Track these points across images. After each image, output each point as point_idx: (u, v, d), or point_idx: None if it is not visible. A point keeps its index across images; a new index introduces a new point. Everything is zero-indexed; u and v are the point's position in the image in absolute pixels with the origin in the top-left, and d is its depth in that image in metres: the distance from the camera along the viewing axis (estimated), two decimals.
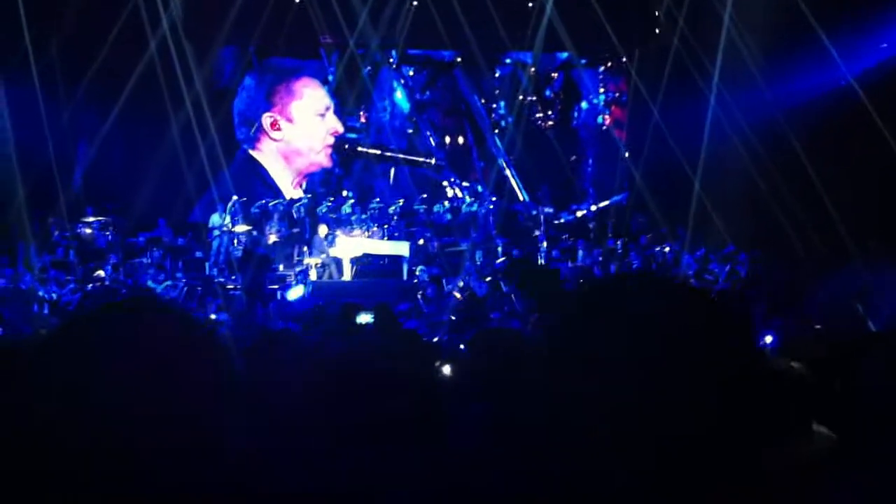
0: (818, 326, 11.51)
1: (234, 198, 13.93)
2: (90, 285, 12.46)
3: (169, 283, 12.63)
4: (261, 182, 15.38)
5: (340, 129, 15.74)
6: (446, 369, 4.12)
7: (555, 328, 1.33)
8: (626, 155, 15.90)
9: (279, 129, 15.60)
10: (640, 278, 1.51)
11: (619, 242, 14.39)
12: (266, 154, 15.69)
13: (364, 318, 8.57)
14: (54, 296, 11.92)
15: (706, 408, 1.22)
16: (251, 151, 15.71)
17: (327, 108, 15.72)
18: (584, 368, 1.25)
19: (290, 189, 15.41)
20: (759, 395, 1.28)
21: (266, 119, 15.56)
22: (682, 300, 1.32)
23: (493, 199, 15.51)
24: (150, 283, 12.51)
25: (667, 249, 14.03)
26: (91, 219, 13.49)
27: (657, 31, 15.62)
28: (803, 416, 2.63)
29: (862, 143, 13.09)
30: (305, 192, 15.40)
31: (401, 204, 14.75)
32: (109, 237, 13.36)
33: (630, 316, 1.27)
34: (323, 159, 15.72)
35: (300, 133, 15.63)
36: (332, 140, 15.66)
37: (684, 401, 1.22)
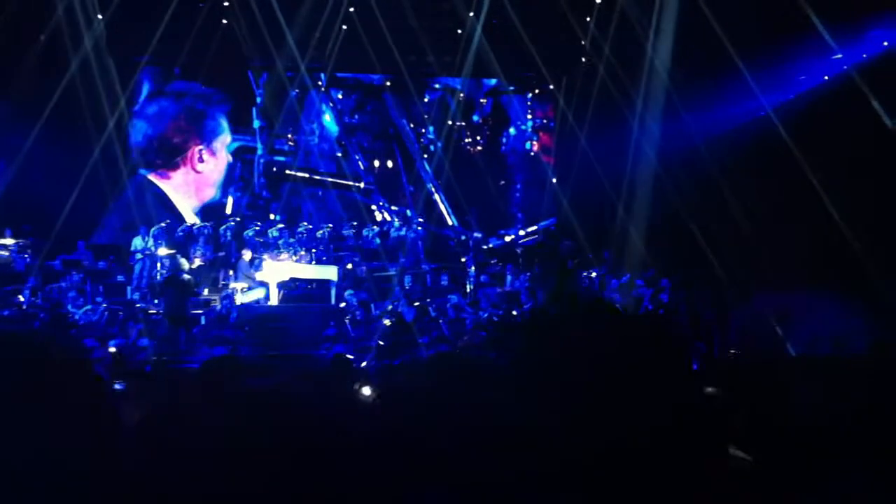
0: (733, 351, 11.78)
1: (161, 224, 13.71)
2: (7, 310, 12.06)
3: (89, 307, 12.30)
4: (163, 207, 15.16)
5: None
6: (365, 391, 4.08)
7: (513, 353, 1.37)
8: (554, 180, 16.07)
9: (202, 161, 15.49)
10: (591, 306, 1.55)
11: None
12: (173, 181, 15.49)
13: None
14: None
15: (640, 427, 1.26)
16: (150, 176, 15.44)
17: (226, 144, 15.89)
18: (540, 389, 1.29)
19: (190, 216, 15.33)
20: (687, 416, 1.33)
21: (195, 150, 15.41)
22: (627, 326, 1.36)
23: (422, 222, 15.52)
24: (69, 307, 12.16)
25: (593, 274, 14.18)
26: (9, 241, 13.08)
27: (583, 59, 15.85)
28: (720, 439, 2.67)
29: (780, 170, 13.43)
30: (232, 215, 15.22)
31: (329, 228, 14.66)
32: (28, 260, 12.97)
33: (577, 341, 1.31)
34: (215, 195, 15.86)
35: (217, 167, 15.61)
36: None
37: (623, 421, 1.26)
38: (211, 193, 15.50)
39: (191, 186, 15.39)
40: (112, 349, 10.72)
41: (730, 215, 13.62)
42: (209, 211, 15.47)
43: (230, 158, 15.43)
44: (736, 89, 13.89)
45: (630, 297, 13.34)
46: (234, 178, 15.86)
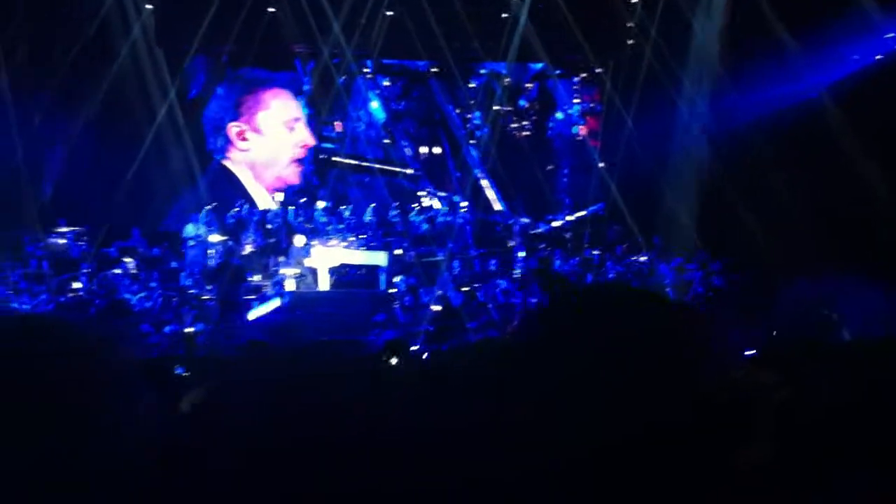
0: (775, 333, 11.67)
1: (207, 207, 13.81)
2: (63, 297, 12.31)
3: (144, 293, 12.50)
4: (238, 192, 15.22)
5: (311, 143, 15.59)
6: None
7: (533, 338, 1.35)
8: (601, 165, 16.00)
9: (245, 140, 15.43)
10: (607, 289, 1.54)
11: (595, 252, 14.46)
12: (238, 165, 15.55)
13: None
14: (28, 307, 11.76)
15: (660, 418, 1.24)
16: (224, 162, 15.56)
17: (297, 120, 15.54)
18: (560, 377, 1.27)
19: (266, 201, 15.28)
20: (716, 406, 1.30)
21: (232, 129, 15.38)
22: (642, 311, 1.34)
23: (470, 208, 15.52)
24: (124, 293, 12.37)
25: (643, 259, 14.12)
26: (64, 229, 13.30)
27: (630, 41, 15.74)
28: (766, 425, 2.64)
29: (830, 152, 13.30)
30: (281, 202, 15.30)
31: (377, 214, 14.72)
32: (83, 247, 13.18)
33: (594, 327, 1.29)
34: (291, 175, 15.49)
35: (266, 144, 15.45)
36: (301, 154, 15.45)
37: (641, 410, 1.24)
38: (273, 175, 15.43)
39: (247, 168, 15.44)
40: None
41: (779, 197, 13.52)
42: (301, 192, 15.45)
43: (291, 138, 15.39)
44: (786, 69, 13.76)
45: (681, 280, 13.29)
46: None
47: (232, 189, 15.33)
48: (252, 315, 12.76)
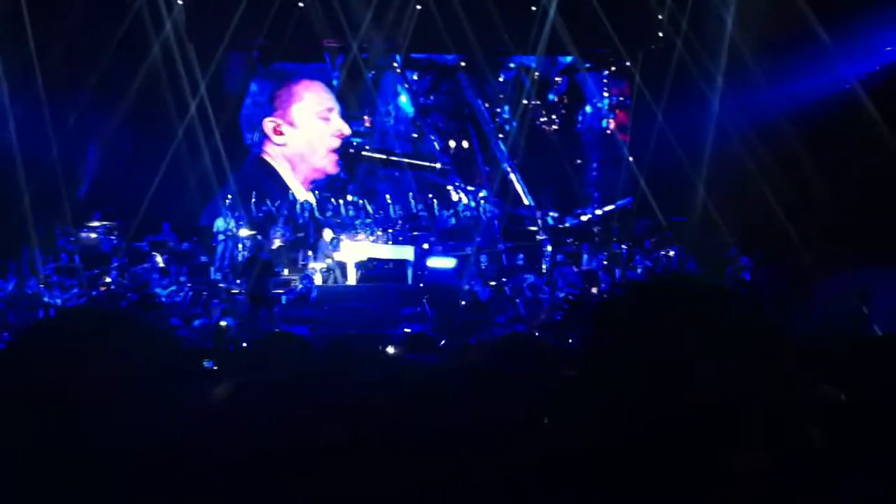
0: (813, 330, 11.52)
1: (227, 200, 13.94)
2: (95, 290, 12.49)
3: (174, 287, 12.65)
4: (275, 184, 15.35)
5: (347, 131, 15.69)
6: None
7: (599, 332, 1.32)
8: (630, 159, 15.88)
9: (281, 134, 15.58)
10: (678, 281, 1.48)
11: (623, 246, 14.36)
12: (275, 158, 15.69)
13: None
14: (59, 301, 11.94)
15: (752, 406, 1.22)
16: (262, 155, 15.71)
17: (330, 110, 15.64)
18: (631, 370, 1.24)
19: (302, 193, 15.37)
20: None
21: (268, 124, 15.53)
22: (723, 302, 1.32)
23: (498, 202, 15.50)
24: (155, 287, 12.52)
25: (671, 253, 14.00)
26: (96, 223, 13.51)
27: (660, 34, 15.59)
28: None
29: (864, 144, 13.08)
30: (310, 196, 15.41)
31: (405, 208, 14.76)
32: (114, 241, 13.38)
33: (673, 318, 1.26)
34: (328, 165, 15.63)
35: (302, 136, 15.57)
36: (336, 143, 15.57)
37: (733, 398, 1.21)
38: (310, 167, 15.55)
39: (285, 161, 15.58)
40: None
41: (812, 191, 13.32)
42: (330, 187, 15.55)
43: (327, 129, 15.46)
44: (819, 61, 13.53)
45: (710, 275, 13.14)
46: None
47: (270, 182, 15.46)
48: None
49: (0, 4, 13.03)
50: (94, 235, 13.39)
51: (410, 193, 15.58)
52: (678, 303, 1.29)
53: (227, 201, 13.93)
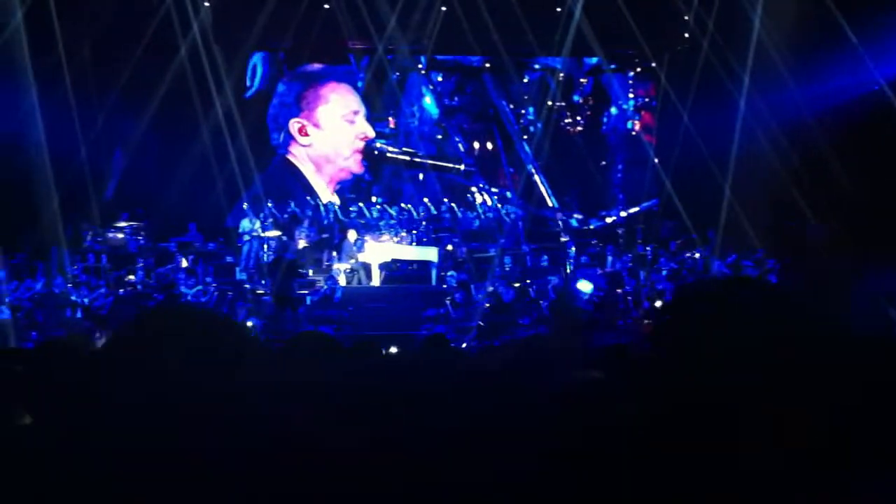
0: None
1: (251, 201, 14.01)
2: (122, 290, 12.59)
3: (199, 287, 12.73)
4: (301, 186, 15.43)
5: (371, 134, 15.75)
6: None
7: (675, 333, 1.31)
8: (656, 160, 15.80)
9: (307, 135, 15.65)
10: (749, 284, 1.46)
11: (648, 248, 14.29)
12: (300, 159, 15.77)
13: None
14: (86, 300, 12.05)
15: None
16: (288, 156, 15.79)
17: (356, 113, 15.71)
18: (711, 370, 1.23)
19: (327, 194, 15.44)
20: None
21: (293, 125, 15.60)
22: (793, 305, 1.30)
23: (522, 203, 15.48)
24: (181, 287, 12.60)
25: (697, 255, 13.92)
26: (123, 224, 13.63)
27: (687, 35, 15.50)
28: None
29: (893, 146, 12.95)
30: (335, 197, 15.47)
31: (429, 209, 14.77)
32: (141, 242, 13.49)
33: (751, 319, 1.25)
34: (353, 165, 15.70)
35: (328, 138, 15.64)
36: (361, 145, 15.63)
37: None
38: (335, 168, 15.63)
39: (310, 162, 15.66)
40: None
41: (840, 193, 13.21)
42: (354, 188, 15.62)
43: (352, 131, 15.53)
44: (848, 62, 13.41)
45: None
46: None
47: (295, 183, 15.54)
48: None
49: (29, 7, 13.16)
50: (121, 236, 13.51)
51: (434, 195, 15.60)
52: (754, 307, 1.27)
53: (252, 202, 14.01)
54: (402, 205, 15.00)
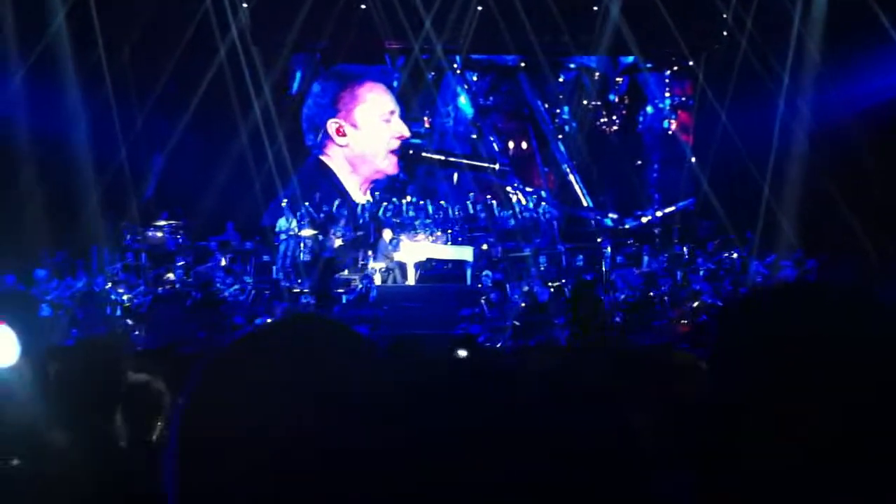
0: None
1: (285, 202, 14.09)
2: (160, 288, 12.73)
3: (237, 286, 12.84)
4: (332, 187, 15.51)
5: (406, 134, 15.79)
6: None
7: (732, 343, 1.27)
8: (693, 160, 15.69)
9: (344, 135, 15.72)
10: (810, 289, 1.41)
11: (685, 248, 14.20)
12: (334, 160, 15.84)
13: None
14: (125, 298, 12.21)
15: None
16: (322, 157, 15.88)
17: (392, 113, 15.76)
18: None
19: (359, 195, 15.51)
20: None
21: (331, 125, 15.68)
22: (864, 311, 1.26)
23: (557, 203, 15.44)
24: (219, 285, 12.72)
25: (734, 255, 13.80)
26: (162, 223, 13.78)
27: (725, 33, 15.38)
28: None
29: None
30: (371, 197, 15.52)
31: (465, 208, 14.79)
32: (180, 240, 13.63)
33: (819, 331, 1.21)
34: (388, 166, 15.75)
35: (365, 138, 15.69)
36: (396, 145, 15.68)
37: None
38: (371, 168, 15.70)
39: (346, 162, 15.74)
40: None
41: (880, 193, 13.04)
42: (389, 188, 15.69)
43: (388, 130, 15.60)
44: (888, 61, 13.25)
45: (776, 278, 12.92)
46: None
47: (327, 183, 15.62)
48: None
49: (70, 7, 13.35)
50: (160, 234, 13.66)
51: (470, 194, 15.61)
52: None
53: (286, 203, 14.11)
54: (439, 202, 15.02)
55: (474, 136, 16.88)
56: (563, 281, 13.42)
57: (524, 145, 17.12)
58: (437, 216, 14.43)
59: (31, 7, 12.88)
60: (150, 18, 14.15)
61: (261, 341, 1.29)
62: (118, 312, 12.09)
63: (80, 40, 13.59)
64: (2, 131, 12.53)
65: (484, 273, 13.44)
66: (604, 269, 13.76)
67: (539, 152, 17.04)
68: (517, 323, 12.61)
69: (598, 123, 16.77)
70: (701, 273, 13.47)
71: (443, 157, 16.27)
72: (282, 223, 13.99)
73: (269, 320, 11.95)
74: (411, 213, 14.46)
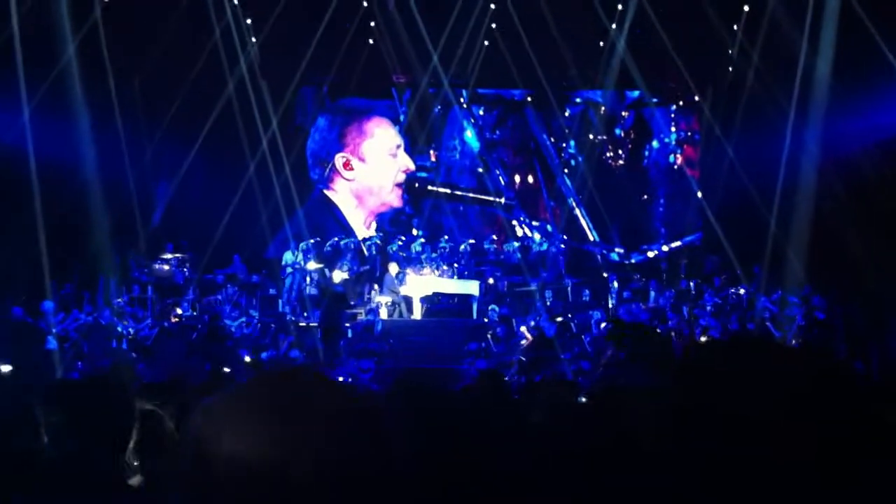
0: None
1: (306, 238, 14.10)
2: (167, 322, 12.70)
3: (243, 319, 12.80)
4: (334, 221, 15.55)
5: (412, 167, 15.87)
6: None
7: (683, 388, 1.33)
8: (699, 194, 15.66)
9: (351, 169, 15.81)
10: (758, 342, 1.50)
11: (692, 283, 14.13)
12: (339, 194, 15.90)
13: None
14: (131, 331, 12.17)
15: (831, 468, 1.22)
16: (326, 191, 15.92)
17: (398, 147, 15.86)
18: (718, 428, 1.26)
19: (363, 229, 15.55)
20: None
21: (339, 159, 15.78)
22: (804, 364, 1.31)
23: (564, 238, 15.42)
24: (225, 319, 12.68)
25: (741, 291, 13.72)
26: (168, 255, 13.78)
27: (730, 68, 15.42)
28: None
29: None
30: (376, 230, 15.53)
31: (471, 243, 14.77)
32: (187, 273, 13.62)
33: (753, 379, 1.27)
34: (394, 199, 15.82)
35: (372, 172, 15.78)
36: (402, 178, 15.75)
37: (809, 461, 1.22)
38: (378, 201, 15.75)
39: (351, 196, 15.80)
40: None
41: (888, 228, 12.98)
42: (395, 221, 15.72)
43: (395, 164, 15.66)
44: (894, 94, 13.26)
45: (783, 315, 12.83)
46: None
47: (329, 219, 15.68)
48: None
49: (82, 44, 13.42)
50: (167, 267, 13.66)
51: (475, 228, 15.62)
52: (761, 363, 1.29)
53: (295, 235, 14.13)
54: (444, 237, 15.03)
55: (480, 170, 16.92)
56: (570, 316, 13.36)
57: (530, 179, 17.15)
58: (443, 250, 14.42)
59: (42, 37, 12.96)
60: (160, 50, 14.23)
61: (258, 394, 1.28)
62: (124, 345, 12.05)
63: (90, 71, 13.65)
64: (11, 161, 12.53)
65: (490, 307, 13.39)
66: (611, 303, 13.72)
67: (545, 186, 17.05)
68: (523, 358, 12.54)
69: (604, 158, 16.81)
70: (708, 308, 13.41)
71: (449, 191, 16.32)
72: (288, 256, 13.99)
73: (273, 353, 11.94)
74: (418, 248, 14.46)
